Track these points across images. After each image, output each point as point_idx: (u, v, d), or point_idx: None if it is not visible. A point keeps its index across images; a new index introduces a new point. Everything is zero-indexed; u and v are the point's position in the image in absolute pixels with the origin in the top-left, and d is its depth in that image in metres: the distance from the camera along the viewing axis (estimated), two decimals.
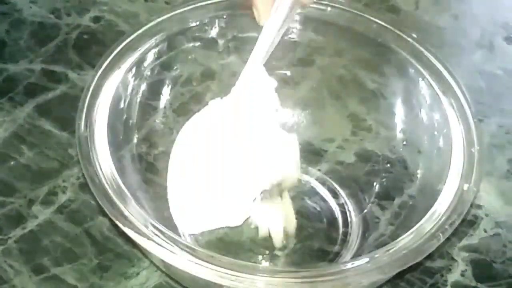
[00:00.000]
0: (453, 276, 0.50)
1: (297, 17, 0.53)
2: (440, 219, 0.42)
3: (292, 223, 0.51)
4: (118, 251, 0.50)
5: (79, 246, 0.50)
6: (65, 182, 0.53)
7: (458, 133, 0.46)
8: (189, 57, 0.54)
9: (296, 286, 0.38)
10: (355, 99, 0.55)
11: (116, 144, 0.47)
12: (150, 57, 0.51)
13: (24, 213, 0.52)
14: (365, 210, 0.51)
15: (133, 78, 0.50)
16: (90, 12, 0.66)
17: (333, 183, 0.54)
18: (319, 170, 0.55)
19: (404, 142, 0.52)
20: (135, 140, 0.51)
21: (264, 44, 0.47)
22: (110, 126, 0.46)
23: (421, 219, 0.43)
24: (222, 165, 0.49)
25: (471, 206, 0.44)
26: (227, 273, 0.38)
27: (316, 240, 0.51)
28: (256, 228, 0.50)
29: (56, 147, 0.56)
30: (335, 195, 0.54)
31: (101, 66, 0.48)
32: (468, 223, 0.53)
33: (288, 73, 0.56)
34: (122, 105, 0.49)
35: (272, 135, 0.49)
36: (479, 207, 0.54)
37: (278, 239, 0.50)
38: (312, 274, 0.39)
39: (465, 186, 0.43)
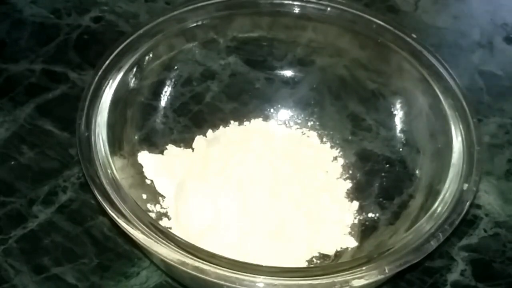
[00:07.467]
0: (453, 276, 0.50)
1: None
2: (439, 219, 0.42)
3: None
4: (118, 251, 0.50)
5: (79, 246, 0.50)
6: (66, 182, 0.53)
7: (458, 133, 0.46)
8: (189, 57, 0.54)
9: (296, 286, 0.38)
10: (355, 99, 0.55)
11: (116, 144, 0.47)
12: (150, 57, 0.51)
13: (24, 213, 0.52)
14: (365, 210, 0.51)
15: (133, 78, 0.50)
16: (90, 12, 0.66)
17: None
18: None
19: (404, 142, 0.52)
20: (135, 140, 0.51)
21: None
22: (110, 126, 0.46)
23: (421, 219, 0.43)
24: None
25: (471, 206, 0.44)
26: (227, 273, 0.38)
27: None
28: None
29: (57, 147, 0.56)
30: None
31: (101, 66, 0.48)
32: (468, 223, 0.53)
33: (288, 73, 0.56)
34: (122, 105, 0.49)
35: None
36: (479, 207, 0.54)
37: None
38: (312, 274, 0.39)
39: (465, 186, 0.43)
